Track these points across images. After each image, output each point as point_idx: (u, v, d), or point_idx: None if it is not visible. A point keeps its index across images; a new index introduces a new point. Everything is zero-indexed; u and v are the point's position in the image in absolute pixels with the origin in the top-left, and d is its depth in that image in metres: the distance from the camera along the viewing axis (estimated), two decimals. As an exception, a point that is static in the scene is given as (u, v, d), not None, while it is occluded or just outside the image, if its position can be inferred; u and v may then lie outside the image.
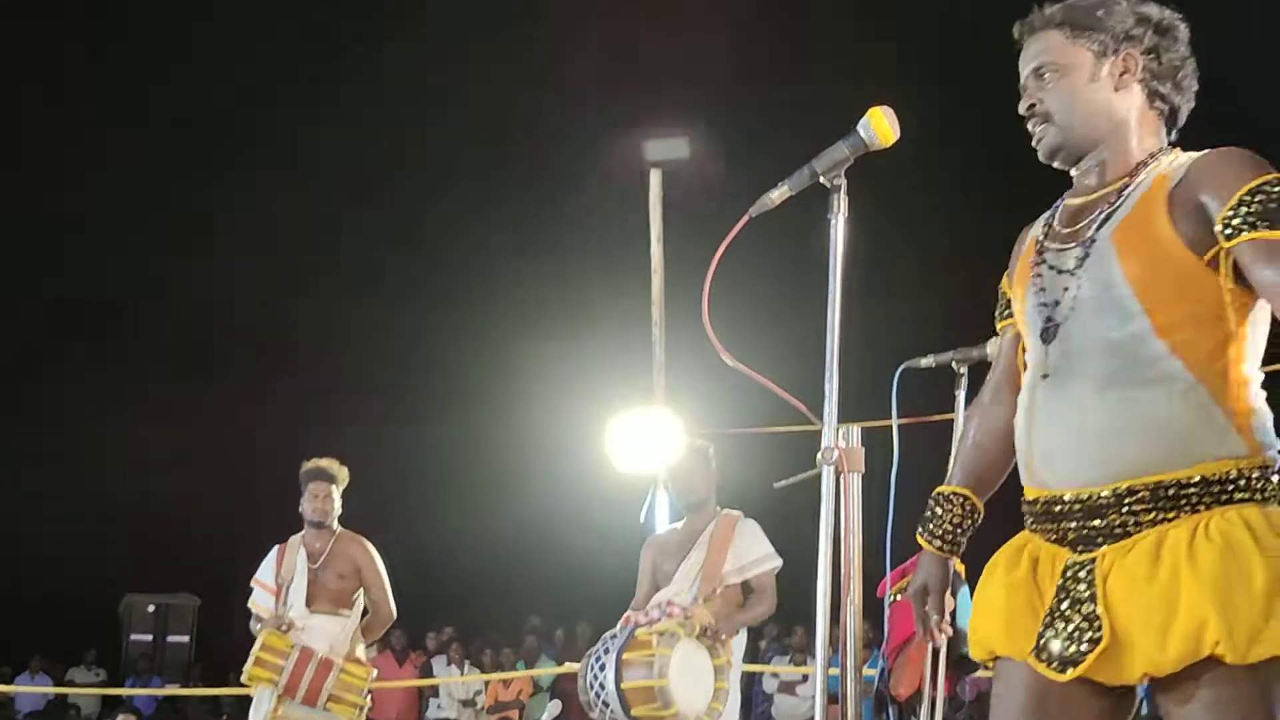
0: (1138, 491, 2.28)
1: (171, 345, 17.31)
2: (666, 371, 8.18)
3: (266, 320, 16.42)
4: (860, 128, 2.55)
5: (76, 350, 17.34)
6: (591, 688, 5.51)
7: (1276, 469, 2.31)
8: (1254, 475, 2.29)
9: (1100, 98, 2.50)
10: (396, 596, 6.97)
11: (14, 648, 15.96)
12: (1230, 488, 2.28)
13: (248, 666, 6.46)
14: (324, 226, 16.57)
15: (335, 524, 6.95)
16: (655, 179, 8.31)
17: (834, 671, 2.50)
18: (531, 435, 14.05)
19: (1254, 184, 2.29)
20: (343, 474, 6.99)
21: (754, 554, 5.79)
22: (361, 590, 6.85)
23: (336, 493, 6.94)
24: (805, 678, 11.55)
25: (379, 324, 16.48)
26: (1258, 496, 2.28)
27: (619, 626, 5.66)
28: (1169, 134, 2.55)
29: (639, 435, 8.25)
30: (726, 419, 8.50)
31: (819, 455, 2.49)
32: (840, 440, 2.47)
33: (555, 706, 10.28)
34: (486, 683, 12.57)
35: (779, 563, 5.97)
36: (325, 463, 6.97)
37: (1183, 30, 2.55)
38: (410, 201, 16.42)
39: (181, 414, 16.03)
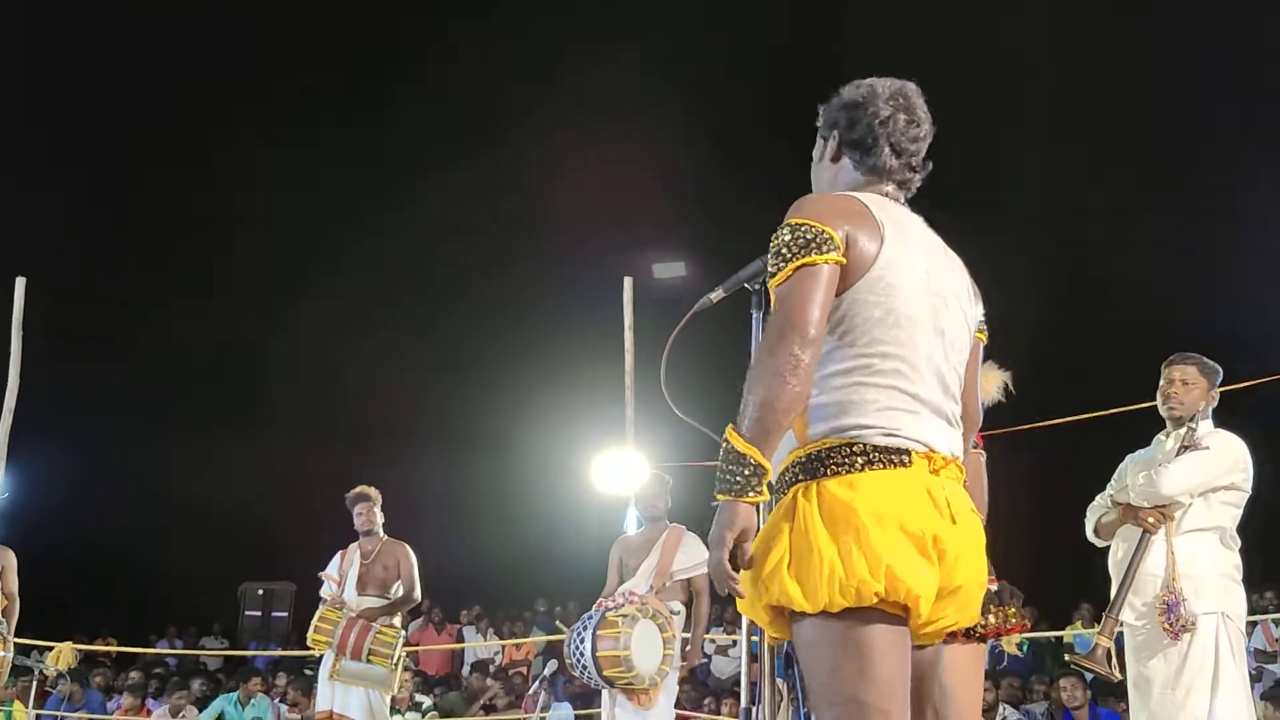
0: None
1: (276, 404, 17.10)
2: (636, 422, 8.11)
3: (331, 388, 16.45)
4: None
5: (224, 400, 17.01)
6: (573, 655, 5.43)
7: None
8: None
9: (819, 170, 2.39)
10: (438, 586, 6.87)
11: (162, 621, 15.77)
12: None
13: (310, 634, 6.51)
14: (374, 312, 16.67)
15: (381, 531, 6.87)
16: (628, 285, 8.25)
17: (755, 638, 2.44)
18: (537, 469, 14.01)
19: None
20: (376, 494, 6.93)
21: (696, 558, 5.72)
22: (400, 580, 6.80)
23: (376, 509, 6.87)
24: (735, 642, 11.39)
25: (424, 386, 16.40)
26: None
27: (594, 609, 5.59)
28: (902, 187, 2.31)
29: (615, 467, 8.21)
30: (681, 455, 8.46)
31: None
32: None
33: (553, 665, 10.06)
34: (503, 646, 12.36)
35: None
36: (362, 489, 6.91)
37: (875, 105, 2.29)
38: (446, 299, 16.52)
39: (286, 456, 15.94)
